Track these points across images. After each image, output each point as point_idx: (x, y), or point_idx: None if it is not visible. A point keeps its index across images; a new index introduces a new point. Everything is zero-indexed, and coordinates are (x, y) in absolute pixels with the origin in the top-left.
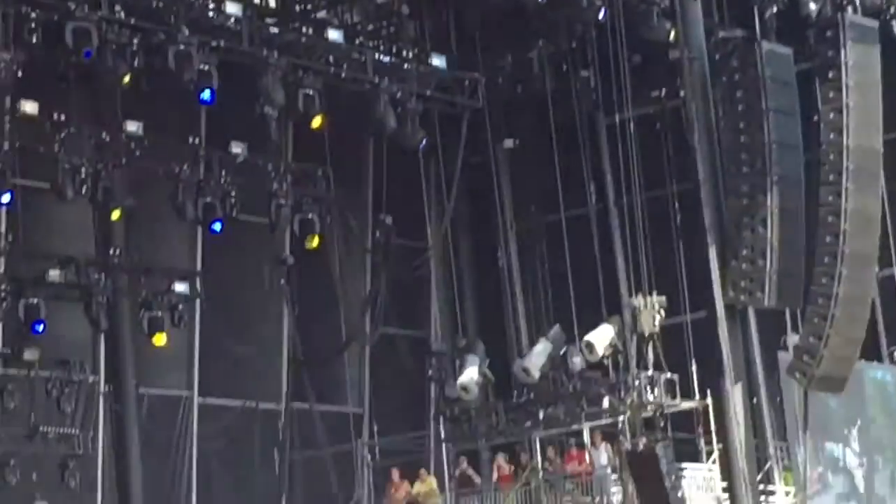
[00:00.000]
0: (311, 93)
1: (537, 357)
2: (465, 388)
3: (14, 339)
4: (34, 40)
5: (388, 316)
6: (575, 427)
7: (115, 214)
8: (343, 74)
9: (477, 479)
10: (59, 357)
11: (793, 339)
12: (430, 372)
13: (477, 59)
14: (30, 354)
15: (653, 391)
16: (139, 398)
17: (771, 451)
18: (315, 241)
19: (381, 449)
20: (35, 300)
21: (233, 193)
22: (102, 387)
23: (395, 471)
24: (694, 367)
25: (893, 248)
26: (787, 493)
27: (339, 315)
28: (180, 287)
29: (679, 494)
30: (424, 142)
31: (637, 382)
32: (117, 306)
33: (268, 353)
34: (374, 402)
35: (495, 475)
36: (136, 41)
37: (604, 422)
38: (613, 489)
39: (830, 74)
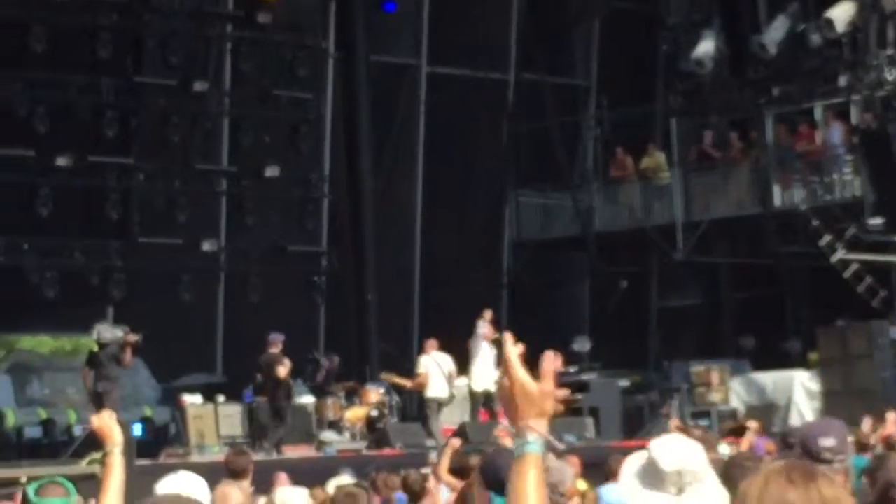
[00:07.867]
0: None
1: (775, 32)
2: (699, 62)
3: (246, 2)
4: None
5: None
6: (807, 105)
7: None
8: None
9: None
10: (291, 21)
11: None
12: (663, 46)
13: None
14: (262, 17)
15: (891, 71)
16: (369, 65)
17: None
18: None
19: (608, 122)
20: None
21: None
22: (332, 52)
23: (618, 148)
24: None
25: None
26: None
27: None
28: None
29: None
30: None
31: (876, 62)
32: None
33: (497, 20)
34: (604, 76)
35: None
36: None
37: (838, 100)
38: (845, 169)
39: None
